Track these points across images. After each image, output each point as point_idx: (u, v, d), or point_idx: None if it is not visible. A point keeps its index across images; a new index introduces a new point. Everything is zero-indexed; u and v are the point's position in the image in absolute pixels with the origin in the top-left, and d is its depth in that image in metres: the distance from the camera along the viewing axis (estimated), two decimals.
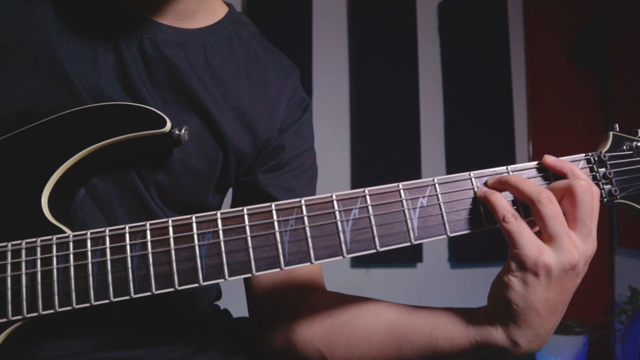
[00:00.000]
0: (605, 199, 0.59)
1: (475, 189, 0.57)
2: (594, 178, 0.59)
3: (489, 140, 2.67)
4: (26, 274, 0.51)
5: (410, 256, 2.57)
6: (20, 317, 0.51)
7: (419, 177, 0.62)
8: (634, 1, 2.64)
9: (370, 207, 0.54)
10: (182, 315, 0.74)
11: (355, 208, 0.54)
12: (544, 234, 0.53)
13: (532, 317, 0.52)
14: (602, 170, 0.60)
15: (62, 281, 0.51)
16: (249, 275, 0.52)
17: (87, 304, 0.51)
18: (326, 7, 2.58)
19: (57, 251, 0.52)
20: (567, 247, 0.51)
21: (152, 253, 0.52)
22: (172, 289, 0.51)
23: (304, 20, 2.49)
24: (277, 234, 0.53)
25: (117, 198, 0.64)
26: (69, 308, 0.51)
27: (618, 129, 0.63)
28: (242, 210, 0.53)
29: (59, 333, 0.61)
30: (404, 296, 1.60)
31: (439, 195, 0.56)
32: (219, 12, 0.73)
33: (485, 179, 0.57)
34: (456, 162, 2.65)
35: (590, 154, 0.60)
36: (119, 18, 0.64)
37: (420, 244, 1.98)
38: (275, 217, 0.53)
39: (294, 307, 0.70)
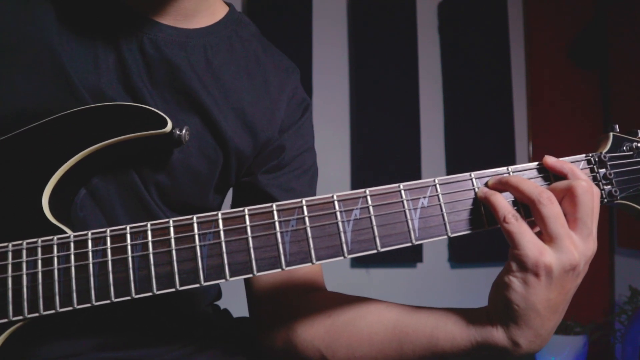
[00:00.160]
0: (605, 200, 0.59)
1: (476, 189, 0.57)
2: (594, 179, 0.60)
3: (489, 140, 2.67)
4: (27, 274, 0.51)
5: (411, 256, 2.57)
6: (21, 317, 0.51)
7: (419, 178, 0.62)
8: (634, 1, 2.64)
9: (371, 208, 0.54)
10: (182, 315, 0.74)
11: (357, 208, 0.54)
12: (545, 235, 0.53)
13: (532, 317, 0.53)
14: (603, 170, 0.60)
15: (63, 281, 0.51)
16: (250, 275, 0.52)
17: (88, 304, 0.51)
18: (326, 7, 2.58)
19: (58, 251, 0.52)
20: (567, 248, 0.52)
21: (153, 253, 0.52)
22: (173, 290, 0.51)
23: (304, 20, 2.49)
24: (278, 235, 0.53)
25: (117, 198, 0.64)
26: (70, 308, 0.51)
27: (618, 130, 0.63)
28: (243, 210, 0.53)
29: (60, 333, 0.61)
30: (404, 296, 1.61)
31: (440, 195, 0.56)
32: (220, 12, 0.73)
33: (485, 179, 0.58)
34: (456, 162, 2.65)
35: (590, 155, 0.60)
36: (120, 18, 0.64)
37: (421, 244, 2.00)
38: (276, 218, 0.53)
39: (295, 307, 0.70)
